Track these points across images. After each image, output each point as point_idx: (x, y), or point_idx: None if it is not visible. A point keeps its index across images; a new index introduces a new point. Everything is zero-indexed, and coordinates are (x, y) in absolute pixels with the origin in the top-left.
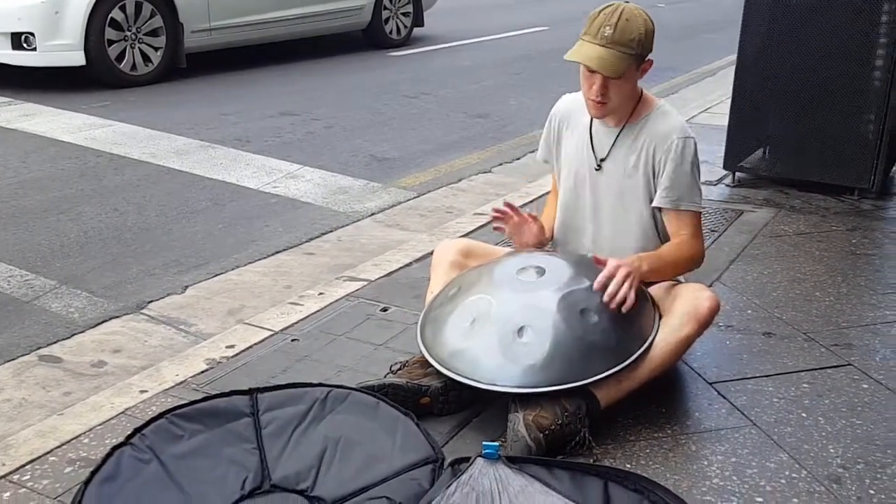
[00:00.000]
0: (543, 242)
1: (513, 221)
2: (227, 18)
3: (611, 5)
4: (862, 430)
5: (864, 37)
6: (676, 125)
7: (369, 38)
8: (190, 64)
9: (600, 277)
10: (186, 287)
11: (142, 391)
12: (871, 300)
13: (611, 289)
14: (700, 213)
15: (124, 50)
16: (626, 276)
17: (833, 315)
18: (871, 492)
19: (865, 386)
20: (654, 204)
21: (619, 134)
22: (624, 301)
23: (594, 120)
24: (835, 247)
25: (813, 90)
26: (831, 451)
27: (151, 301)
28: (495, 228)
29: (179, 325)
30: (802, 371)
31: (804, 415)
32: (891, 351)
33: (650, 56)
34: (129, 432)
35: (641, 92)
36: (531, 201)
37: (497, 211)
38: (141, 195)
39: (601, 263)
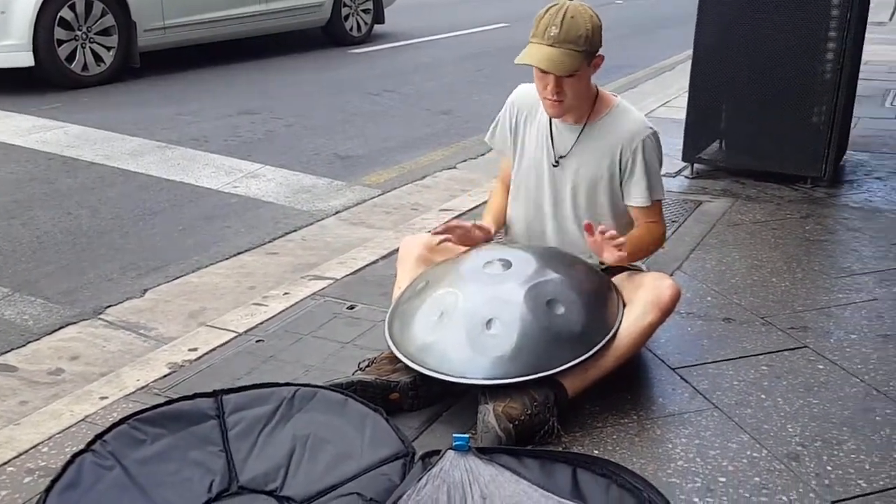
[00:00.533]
0: (491, 238)
1: (457, 234)
2: (181, 16)
3: (555, 5)
4: (819, 409)
5: (815, 30)
6: (639, 123)
7: (329, 36)
8: (144, 63)
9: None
10: (145, 291)
11: (102, 398)
12: (825, 284)
13: (610, 234)
14: (662, 200)
15: (75, 50)
16: (622, 244)
17: (789, 300)
18: (829, 468)
19: (821, 367)
20: (632, 204)
21: (581, 132)
22: (618, 250)
23: (552, 118)
24: (790, 234)
25: (766, 83)
26: (790, 430)
27: (109, 306)
28: (440, 242)
29: (139, 330)
30: (761, 354)
31: (763, 396)
32: (844, 333)
33: (601, 51)
34: (89, 439)
35: (598, 90)
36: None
37: (439, 233)
38: (95, 198)
39: (590, 229)
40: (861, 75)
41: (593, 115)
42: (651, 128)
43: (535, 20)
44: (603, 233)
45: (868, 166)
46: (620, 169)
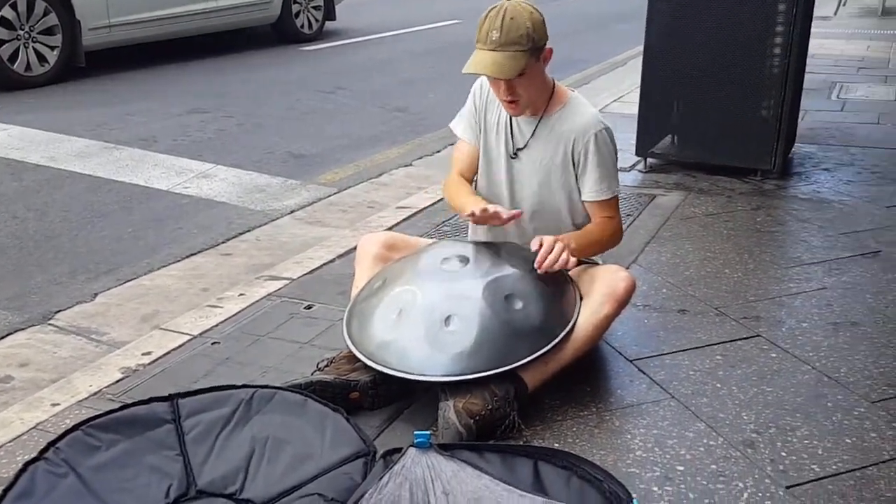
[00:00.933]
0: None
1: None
2: (127, 14)
3: (494, 7)
4: (772, 396)
5: (763, 25)
6: (592, 117)
7: (280, 33)
8: (89, 63)
9: (540, 254)
10: (96, 295)
11: (53, 404)
12: (776, 274)
13: (547, 256)
14: (618, 194)
15: (17, 49)
16: (563, 249)
17: (742, 290)
18: (783, 454)
19: (774, 355)
20: (585, 199)
21: (537, 125)
22: (563, 263)
23: None
24: (741, 226)
25: (715, 78)
26: (745, 417)
27: (59, 311)
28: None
29: (90, 335)
30: (715, 344)
31: (718, 385)
32: (796, 321)
33: (548, 44)
34: (42, 447)
35: (554, 83)
36: None
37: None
38: (42, 201)
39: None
40: (807, 69)
41: (549, 108)
42: (603, 122)
43: (477, 25)
44: (549, 249)
45: (816, 158)
46: (574, 162)
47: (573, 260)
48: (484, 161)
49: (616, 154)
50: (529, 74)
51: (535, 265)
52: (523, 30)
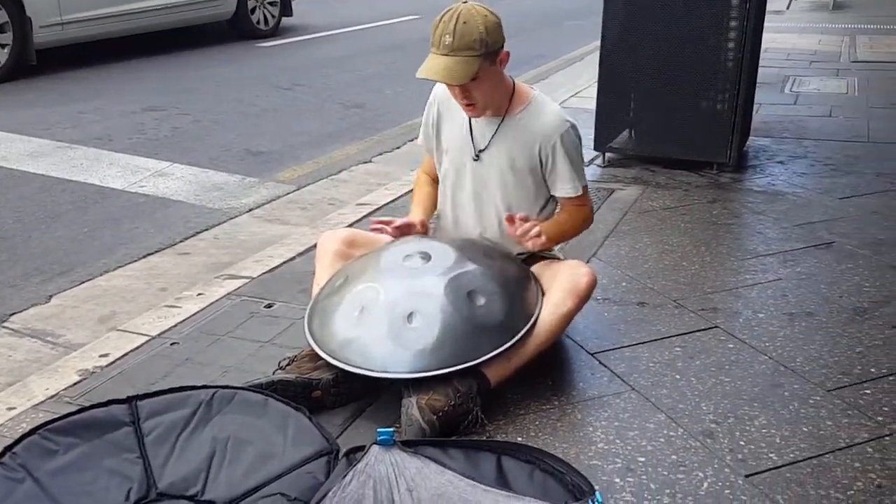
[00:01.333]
0: (426, 230)
1: (393, 228)
2: (79, 11)
3: (448, 11)
4: (730, 386)
5: (717, 20)
6: (557, 116)
7: (236, 30)
8: (41, 61)
9: (517, 222)
10: (51, 296)
11: (9, 408)
12: (733, 266)
13: (524, 229)
14: (586, 184)
15: None
16: (539, 233)
17: (699, 282)
18: (742, 443)
19: (731, 346)
20: (560, 196)
21: (499, 126)
22: (535, 239)
23: None
24: (698, 219)
25: (671, 73)
26: (704, 408)
27: (13, 313)
28: (377, 230)
29: (46, 337)
30: (674, 336)
31: (678, 376)
32: (752, 312)
33: (505, 45)
34: None
35: (514, 83)
36: (411, 190)
37: (376, 225)
38: None
39: (512, 220)
40: (761, 63)
41: (511, 109)
42: (569, 121)
43: (431, 29)
44: (524, 219)
45: (770, 151)
46: (541, 163)
47: (543, 239)
48: (445, 166)
49: (581, 147)
50: (483, 78)
51: (510, 231)
52: (476, 34)
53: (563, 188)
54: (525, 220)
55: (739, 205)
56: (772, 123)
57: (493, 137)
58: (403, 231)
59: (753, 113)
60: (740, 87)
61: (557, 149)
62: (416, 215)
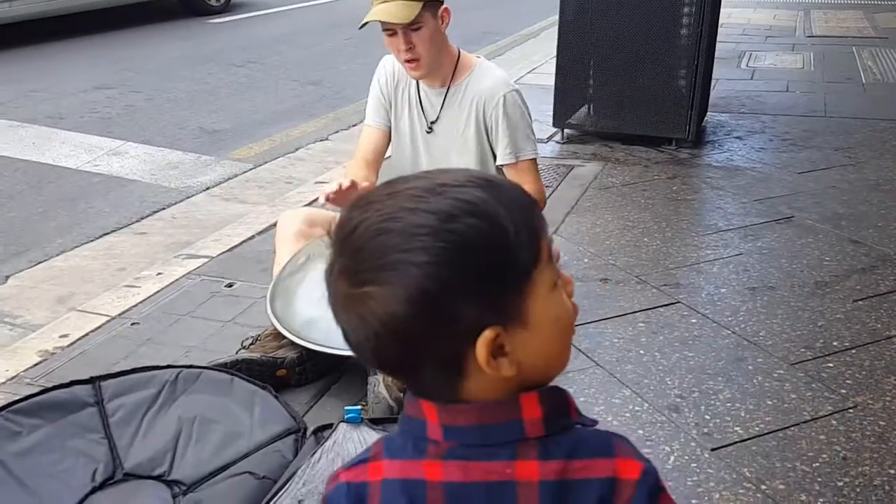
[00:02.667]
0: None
1: (344, 193)
2: None
3: None
4: (694, 361)
5: None
6: (499, 80)
7: (186, 5)
8: None
9: None
10: (7, 277)
11: None
12: (694, 241)
13: None
14: (536, 158)
15: None
16: None
17: (661, 258)
18: (707, 417)
19: (694, 321)
20: (499, 163)
21: (445, 95)
22: None
23: (420, 84)
24: (658, 195)
25: (629, 49)
26: (668, 383)
27: None
28: (328, 202)
29: (4, 318)
30: (637, 311)
31: (642, 352)
32: (714, 287)
33: (454, 15)
34: None
35: (459, 53)
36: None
37: (329, 197)
38: None
39: None
40: (717, 38)
41: (456, 77)
42: (511, 85)
43: None
44: None
45: (728, 126)
46: (486, 128)
47: None
48: (400, 141)
49: (529, 116)
50: (426, 29)
51: None
52: None
53: (504, 154)
54: None
55: (699, 180)
56: (729, 99)
57: (441, 109)
58: (346, 195)
59: (711, 88)
60: (699, 62)
61: (499, 109)
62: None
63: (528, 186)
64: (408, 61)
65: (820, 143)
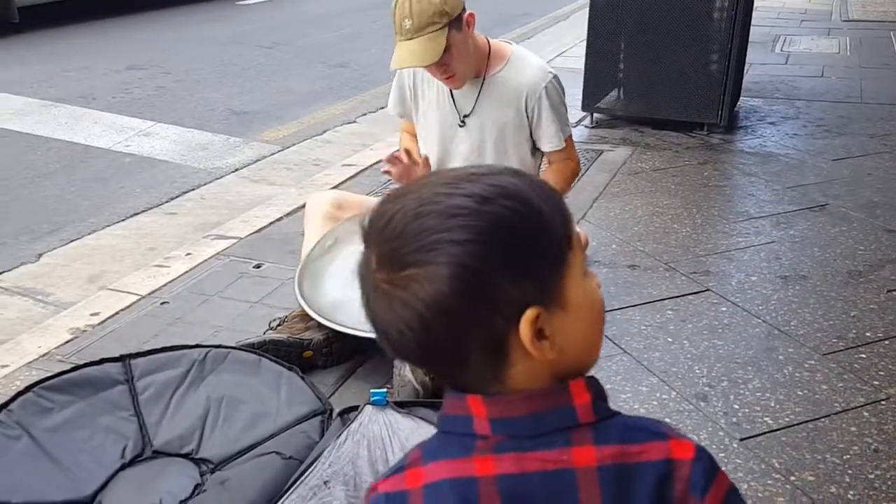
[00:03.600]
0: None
1: (402, 165)
2: None
3: None
4: (724, 349)
5: None
6: (539, 70)
7: None
8: (23, 19)
9: None
10: (40, 255)
11: (2, 366)
12: (725, 229)
13: None
14: (571, 134)
15: None
16: None
17: (691, 245)
18: (735, 406)
19: (724, 309)
20: (548, 149)
21: (481, 87)
22: None
23: None
24: (689, 180)
25: (661, 31)
26: (697, 371)
27: (3, 272)
28: (384, 172)
29: (36, 296)
30: (666, 299)
31: (670, 339)
32: (745, 275)
33: (467, 10)
34: None
35: (489, 42)
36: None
37: (390, 157)
38: None
39: None
40: (752, 21)
41: (490, 69)
42: (551, 72)
43: (391, 17)
44: None
45: (761, 112)
46: (528, 118)
47: None
48: (428, 135)
49: (565, 98)
50: (455, 47)
51: None
52: (434, 8)
53: (550, 141)
54: None
55: (731, 166)
56: (763, 83)
57: (476, 102)
58: (408, 168)
59: (745, 73)
60: (732, 45)
61: (543, 100)
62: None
63: (567, 164)
64: (446, 79)
65: (855, 130)
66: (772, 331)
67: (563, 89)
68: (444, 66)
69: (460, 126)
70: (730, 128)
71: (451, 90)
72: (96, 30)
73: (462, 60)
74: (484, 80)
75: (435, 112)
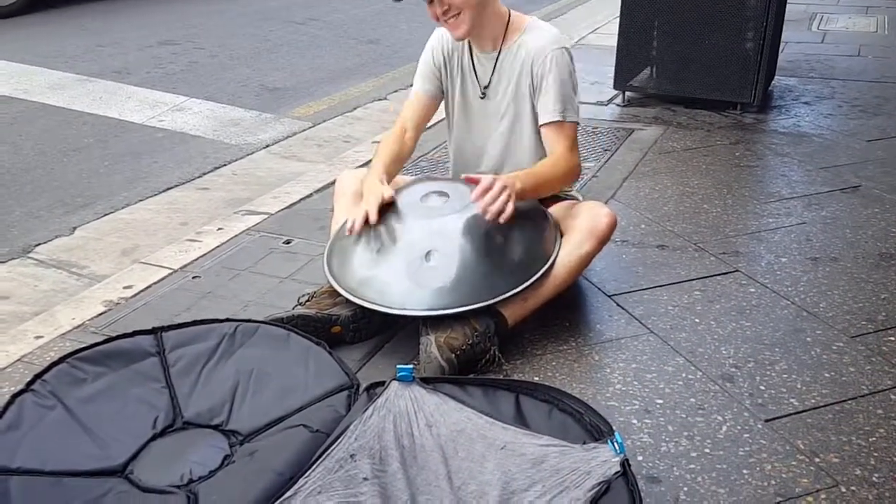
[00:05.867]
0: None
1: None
2: None
3: None
4: (751, 331)
5: None
6: (550, 37)
7: None
8: None
9: (476, 191)
10: (75, 228)
11: (37, 337)
12: (755, 209)
13: (486, 199)
14: (577, 124)
15: None
16: (502, 189)
17: (721, 225)
18: (762, 388)
19: (752, 290)
20: (543, 121)
21: (497, 58)
22: (500, 213)
23: (473, 50)
24: (720, 160)
25: (696, 9)
26: (723, 352)
27: (38, 244)
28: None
29: (71, 268)
30: (694, 279)
31: (697, 320)
32: (775, 256)
33: None
34: (28, 379)
35: (510, 13)
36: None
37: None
38: (16, 134)
39: (474, 181)
40: None
41: (507, 39)
42: (562, 43)
43: None
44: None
45: (796, 91)
46: (534, 86)
47: (510, 208)
48: (455, 109)
49: (575, 78)
50: None
51: (472, 200)
52: None
53: (548, 111)
54: (487, 188)
55: (763, 146)
56: (798, 62)
57: (493, 72)
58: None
59: (779, 52)
60: (767, 23)
61: (548, 64)
62: (377, 175)
63: (568, 152)
64: (447, 21)
65: (891, 111)
66: (800, 312)
67: (573, 68)
68: (446, 4)
69: (481, 98)
70: (763, 107)
71: (472, 63)
72: (130, 5)
73: (469, 6)
74: (500, 51)
75: (458, 87)
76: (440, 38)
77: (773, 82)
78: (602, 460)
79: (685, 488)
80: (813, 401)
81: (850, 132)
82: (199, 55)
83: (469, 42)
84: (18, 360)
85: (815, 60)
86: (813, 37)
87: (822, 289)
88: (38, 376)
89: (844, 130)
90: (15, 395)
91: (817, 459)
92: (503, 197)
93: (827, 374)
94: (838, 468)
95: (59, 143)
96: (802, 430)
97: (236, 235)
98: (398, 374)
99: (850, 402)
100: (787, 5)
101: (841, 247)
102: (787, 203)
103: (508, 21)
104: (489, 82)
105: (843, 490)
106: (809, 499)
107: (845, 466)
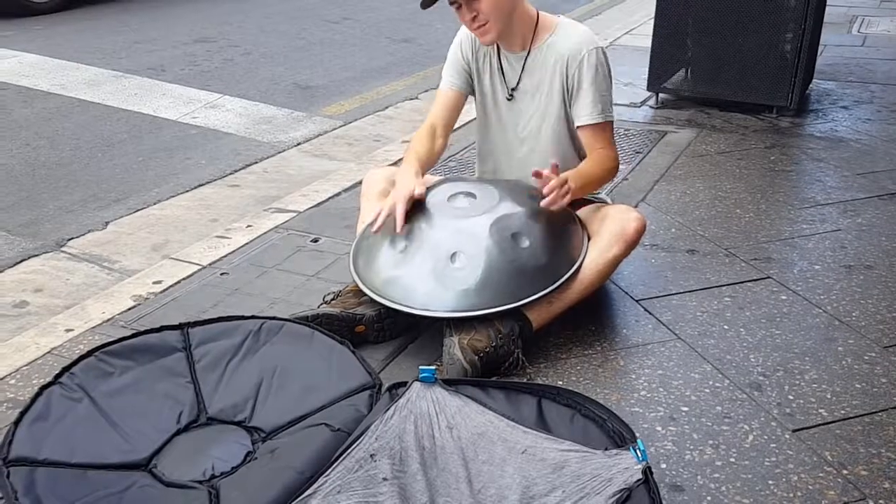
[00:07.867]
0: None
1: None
2: None
3: None
4: (781, 339)
5: None
6: (583, 37)
7: None
8: None
9: (548, 190)
10: (107, 223)
11: (67, 330)
12: (789, 215)
13: (551, 197)
14: (612, 122)
15: None
16: (565, 182)
17: (753, 231)
18: (790, 397)
19: (784, 297)
20: (583, 123)
21: (526, 59)
22: (561, 204)
23: (501, 50)
24: (754, 164)
25: (732, 11)
26: (752, 360)
27: (71, 238)
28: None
29: (102, 262)
30: (724, 285)
31: (726, 327)
32: (808, 263)
33: None
34: (56, 372)
35: (538, 14)
36: (459, 127)
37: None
38: (52, 129)
39: (539, 175)
40: (827, 1)
41: (536, 39)
42: (596, 42)
43: None
44: (555, 172)
45: (834, 95)
46: (568, 87)
47: (568, 199)
48: (483, 107)
49: (611, 77)
50: None
51: (542, 201)
52: None
53: (586, 114)
54: (556, 172)
55: (799, 151)
56: (837, 66)
57: (522, 73)
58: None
59: (818, 54)
60: (806, 26)
61: (584, 67)
62: (412, 172)
63: (608, 151)
64: (477, 29)
65: None
66: (832, 321)
67: (608, 67)
68: (474, 12)
69: (508, 99)
70: (800, 111)
71: (499, 64)
72: (167, 2)
73: (494, 10)
74: (529, 52)
75: (487, 85)
76: (469, 34)
77: (811, 86)
78: (624, 467)
79: (709, 498)
80: (842, 411)
81: (890, 138)
82: (233, 53)
83: (497, 42)
84: (48, 352)
85: (854, 64)
86: (853, 40)
87: (856, 297)
88: (66, 369)
89: (883, 136)
90: (43, 388)
91: (845, 471)
92: (565, 188)
93: (858, 385)
94: (867, 481)
95: (94, 139)
96: (831, 441)
97: (265, 233)
98: (421, 375)
99: (880, 413)
100: (827, 7)
101: (876, 255)
102: (822, 209)
103: (537, 22)
104: (517, 84)
105: (871, 503)
106: None
107: (874, 479)
